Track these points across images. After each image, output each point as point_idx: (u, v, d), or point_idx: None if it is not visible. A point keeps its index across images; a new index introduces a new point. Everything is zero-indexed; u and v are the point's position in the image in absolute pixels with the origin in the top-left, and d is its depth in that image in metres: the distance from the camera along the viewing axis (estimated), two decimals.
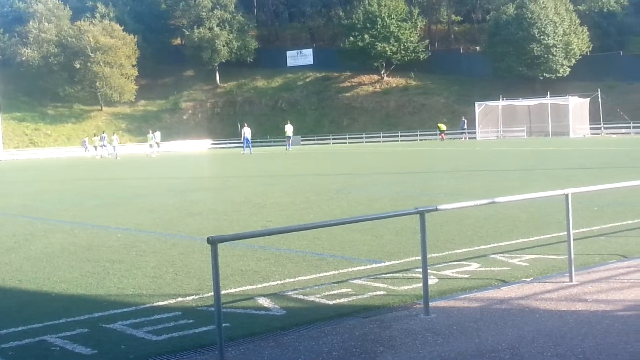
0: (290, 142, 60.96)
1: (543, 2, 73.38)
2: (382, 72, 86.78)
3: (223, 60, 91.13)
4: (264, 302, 7.33)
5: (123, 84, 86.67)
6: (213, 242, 5.45)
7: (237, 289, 7.90)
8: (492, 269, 8.57)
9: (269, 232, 6.74)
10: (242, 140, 59.33)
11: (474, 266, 8.76)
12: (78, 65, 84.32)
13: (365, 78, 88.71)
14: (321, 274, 8.59)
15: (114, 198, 20.85)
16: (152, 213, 16.09)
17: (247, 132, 57.60)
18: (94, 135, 69.06)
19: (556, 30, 72.60)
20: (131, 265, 9.61)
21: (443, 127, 67.73)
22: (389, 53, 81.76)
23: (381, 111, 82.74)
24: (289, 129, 60.34)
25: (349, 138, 76.95)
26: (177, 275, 8.81)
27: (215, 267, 5.45)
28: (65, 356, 5.80)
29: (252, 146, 59.27)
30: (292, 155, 50.61)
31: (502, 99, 67.27)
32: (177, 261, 9.80)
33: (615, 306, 6.75)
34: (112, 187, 26.31)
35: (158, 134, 66.60)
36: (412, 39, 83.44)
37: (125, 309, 7.22)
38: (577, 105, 63.22)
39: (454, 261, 9.07)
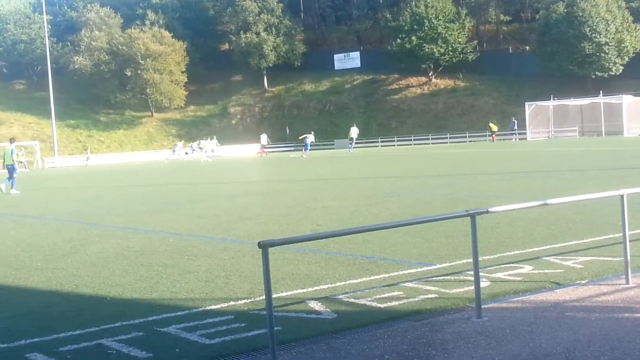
0: (353, 144, 62.47)
1: (594, 0, 72.27)
2: (430, 74, 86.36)
3: (270, 65, 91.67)
4: (315, 305, 7.34)
5: (173, 90, 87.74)
6: (264, 246, 5.48)
7: (288, 293, 7.92)
8: (546, 271, 8.46)
9: (319, 236, 6.74)
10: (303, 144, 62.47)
11: (526, 268, 8.65)
12: (129, 73, 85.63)
13: (413, 80, 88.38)
14: (372, 277, 8.57)
15: (164, 203, 21.09)
16: (202, 218, 16.23)
17: (310, 137, 61.20)
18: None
19: (608, 28, 71.44)
20: (184, 270, 9.71)
21: (494, 127, 66.97)
22: (436, 54, 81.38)
23: (429, 113, 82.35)
24: (354, 131, 61.51)
25: (397, 140, 76.72)
26: (229, 279, 8.87)
27: (266, 271, 5.48)
28: (121, 359, 5.88)
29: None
30: (341, 158, 50.61)
31: (553, 99, 66.39)
32: (228, 265, 9.87)
33: None
34: (162, 192, 26.61)
35: (214, 141, 67.38)
36: (460, 39, 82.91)
37: (178, 313, 7.30)
38: (631, 104, 62.10)
39: (505, 263, 8.98)
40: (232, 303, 7.62)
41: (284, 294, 7.88)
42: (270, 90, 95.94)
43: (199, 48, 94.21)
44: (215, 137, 70.00)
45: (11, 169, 28.53)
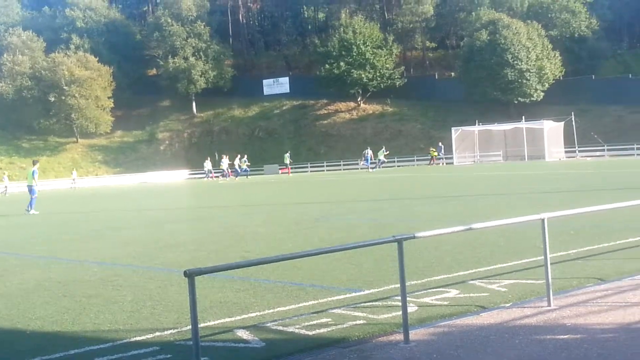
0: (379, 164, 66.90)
1: (516, 28, 74.27)
2: (359, 99, 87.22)
3: (199, 90, 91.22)
4: (243, 334, 7.27)
5: (99, 116, 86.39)
6: (190, 275, 5.41)
7: (216, 322, 7.83)
8: (471, 295, 8.57)
9: (247, 263, 6.70)
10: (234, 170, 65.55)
11: (453, 293, 8.75)
12: (53, 99, 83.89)
13: (341, 105, 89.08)
14: (301, 304, 8.55)
15: (89, 231, 20.68)
16: (128, 246, 15.96)
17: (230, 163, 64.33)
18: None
19: (529, 56, 73.43)
20: (108, 300, 9.51)
21: (435, 153, 67.75)
22: (365, 80, 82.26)
23: (358, 138, 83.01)
24: (286, 157, 67.04)
25: (326, 165, 77.07)
26: (155, 309, 8.72)
27: (192, 300, 5.41)
28: None
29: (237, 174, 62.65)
30: (270, 184, 50.56)
31: (478, 124, 67.75)
32: (154, 295, 9.71)
33: (593, 330, 6.77)
34: (87, 220, 26.09)
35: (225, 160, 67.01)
36: (387, 65, 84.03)
37: (101, 345, 7.13)
38: (551, 129, 63.79)
39: (433, 288, 9.06)
40: (158, 334, 7.48)
41: (211, 323, 7.79)
42: (198, 116, 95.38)
43: (126, 73, 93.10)
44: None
45: (30, 190, 29.56)
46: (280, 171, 72.40)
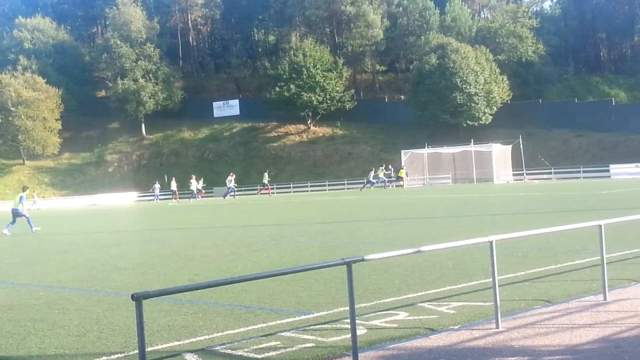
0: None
1: (464, 53, 75.33)
2: (309, 122, 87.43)
3: (149, 112, 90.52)
4: (191, 358, 7.19)
5: (46, 137, 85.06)
6: (137, 298, 5.34)
7: (164, 345, 7.73)
8: (421, 317, 8.60)
9: (195, 286, 6.62)
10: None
11: (402, 315, 8.78)
12: None
13: (292, 128, 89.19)
14: (249, 327, 8.49)
15: (35, 254, 20.29)
16: (75, 269, 15.70)
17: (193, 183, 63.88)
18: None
19: (477, 79, 74.50)
20: (54, 324, 9.33)
21: (402, 173, 66.92)
22: (315, 103, 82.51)
23: (308, 160, 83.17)
24: (231, 179, 64.19)
25: (276, 188, 76.93)
26: (102, 333, 8.58)
27: (140, 324, 5.33)
28: None
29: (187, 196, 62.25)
30: (220, 206, 50.28)
31: (428, 147, 68.38)
32: (101, 318, 9.56)
33: (541, 352, 6.84)
34: (33, 242, 25.60)
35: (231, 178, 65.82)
36: (337, 88, 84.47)
37: None
38: (499, 152, 64.67)
39: (382, 311, 9.08)
40: (104, 358, 7.36)
41: (159, 346, 7.68)
42: (148, 138, 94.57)
43: (74, 94, 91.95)
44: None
45: (14, 213, 30.68)
46: (259, 192, 71.70)
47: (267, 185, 69.61)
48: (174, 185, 68.85)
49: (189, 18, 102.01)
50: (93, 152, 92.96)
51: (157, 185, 71.61)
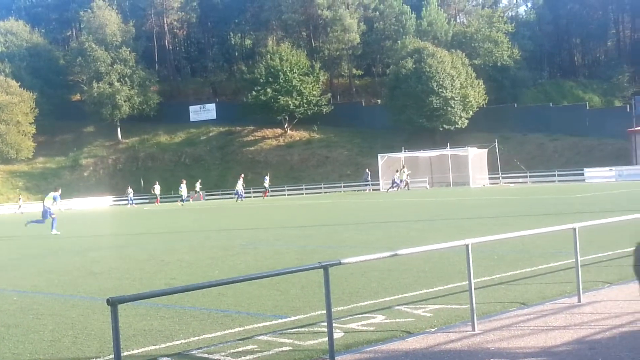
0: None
1: (440, 57, 75.66)
2: (286, 126, 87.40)
3: (124, 116, 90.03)
4: None
5: (20, 141, 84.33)
6: (113, 303, 5.31)
7: (140, 350, 7.69)
8: (397, 320, 8.62)
9: (172, 290, 6.60)
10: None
11: (379, 318, 8.80)
12: None
13: (268, 132, 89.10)
14: (226, 331, 8.47)
15: (9, 258, 20.10)
16: (51, 273, 15.58)
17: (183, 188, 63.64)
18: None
19: (454, 84, 74.85)
20: (28, 330, 9.24)
21: (404, 175, 65.89)
22: (291, 107, 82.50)
23: (285, 165, 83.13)
24: (187, 185, 64.73)
25: (253, 192, 76.76)
26: (77, 338, 8.52)
27: (115, 329, 5.30)
28: None
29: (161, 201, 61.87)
30: (198, 210, 50.12)
31: (404, 151, 68.56)
32: (76, 323, 9.49)
33: (516, 354, 6.88)
34: (7, 246, 25.36)
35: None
36: (314, 92, 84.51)
37: None
38: (476, 156, 64.98)
39: (359, 314, 9.09)
40: None
41: (135, 351, 7.64)
42: (124, 142, 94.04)
43: (49, 98, 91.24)
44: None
45: (44, 213, 30.59)
46: (264, 195, 70.89)
47: (267, 189, 69.15)
48: (157, 189, 68.60)
49: (165, 21, 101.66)
50: (68, 156, 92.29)
51: (130, 190, 71.29)
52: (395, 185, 61.70)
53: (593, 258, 12.87)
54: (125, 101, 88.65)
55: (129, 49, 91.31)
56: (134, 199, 71.02)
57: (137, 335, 8.41)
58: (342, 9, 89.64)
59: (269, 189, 69.85)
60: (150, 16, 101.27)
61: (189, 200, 65.05)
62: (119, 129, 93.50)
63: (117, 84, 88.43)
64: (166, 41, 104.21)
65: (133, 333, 8.51)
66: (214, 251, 18.53)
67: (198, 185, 69.52)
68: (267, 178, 68.97)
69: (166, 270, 15.10)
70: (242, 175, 66.38)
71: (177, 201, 64.88)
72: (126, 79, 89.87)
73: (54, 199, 30.60)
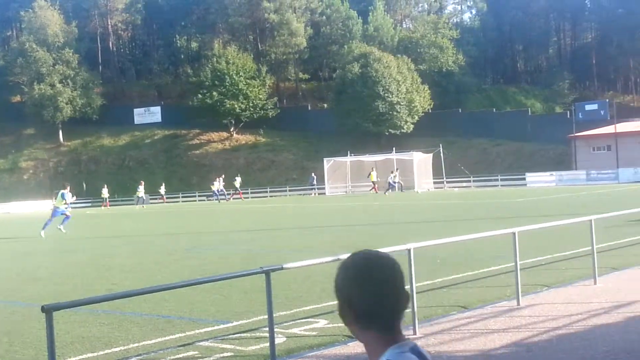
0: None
1: (386, 62, 76.22)
2: (232, 129, 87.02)
3: (66, 118, 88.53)
4: None
5: None
6: (47, 310, 5.21)
7: (77, 358, 7.56)
8: (340, 325, 8.61)
9: (111, 297, 6.51)
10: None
11: (322, 323, 8.79)
12: None
13: (214, 135, 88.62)
14: (167, 337, 8.37)
15: None
16: None
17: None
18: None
19: (399, 89, 75.46)
20: None
21: (373, 177, 64.94)
22: (237, 110, 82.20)
23: (231, 168, 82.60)
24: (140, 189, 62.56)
25: (199, 196, 76.27)
26: (12, 346, 8.33)
27: (50, 336, 5.20)
28: None
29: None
30: (141, 215, 49.56)
31: (350, 155, 68.81)
32: (12, 331, 9.28)
33: (455, 357, 6.94)
34: None
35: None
36: (260, 96, 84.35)
37: None
38: (421, 161, 65.51)
39: (302, 319, 9.08)
40: None
41: (72, 359, 7.50)
42: (66, 144, 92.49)
43: None
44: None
45: (54, 212, 30.50)
46: (232, 197, 69.80)
47: (239, 190, 67.97)
48: (104, 192, 67.65)
49: (109, 23, 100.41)
50: (7, 159, 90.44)
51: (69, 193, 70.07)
52: (391, 186, 61.33)
53: (532, 262, 13.06)
54: (67, 103, 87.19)
55: (72, 50, 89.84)
56: (72, 204, 69.77)
57: (75, 343, 8.26)
58: (289, 13, 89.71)
59: (240, 190, 68.77)
60: (94, 17, 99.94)
61: (228, 199, 64.44)
62: (60, 132, 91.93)
63: (59, 85, 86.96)
64: (110, 43, 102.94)
65: (71, 340, 8.36)
66: (158, 256, 18.34)
67: (238, 181, 67.85)
68: (239, 179, 67.37)
69: (108, 275, 14.88)
70: (222, 176, 65.82)
71: (131, 204, 63.98)
72: (68, 80, 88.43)
73: (62, 196, 30.37)
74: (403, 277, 2.26)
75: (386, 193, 60.48)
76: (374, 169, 62.42)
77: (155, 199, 71.67)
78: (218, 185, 63.86)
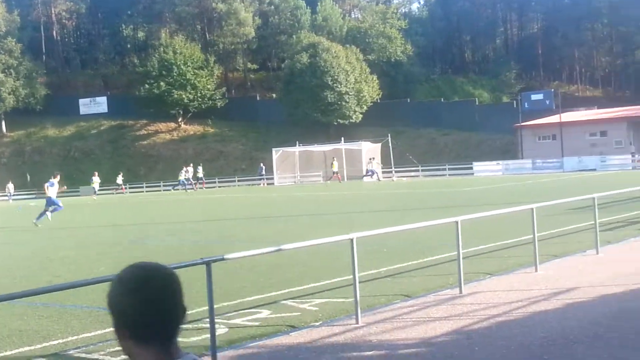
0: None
1: (335, 52, 76.28)
2: (180, 120, 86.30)
3: (9, 109, 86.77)
4: None
5: None
6: None
7: (14, 351, 7.41)
8: (283, 315, 8.61)
9: (50, 289, 6.38)
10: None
11: (264, 313, 8.76)
12: None
13: (162, 126, 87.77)
14: (107, 330, 8.23)
15: None
16: None
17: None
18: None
19: (348, 79, 75.59)
20: None
21: (335, 166, 64.57)
22: (185, 101, 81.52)
23: (179, 159, 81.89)
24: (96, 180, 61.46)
25: (146, 187, 75.49)
26: None
27: None
28: None
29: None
30: (86, 206, 48.85)
31: (299, 145, 68.78)
32: None
33: (397, 345, 6.97)
34: None
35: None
36: (209, 86, 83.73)
37: None
38: (369, 150, 65.73)
39: (245, 309, 9.03)
40: None
41: (8, 352, 7.36)
42: (8, 135, 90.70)
43: None
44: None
45: (48, 201, 29.89)
46: (197, 187, 68.77)
47: (202, 179, 67.58)
48: (119, 179, 66.80)
49: (53, 11, 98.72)
50: None
51: (10, 185, 68.90)
52: (370, 173, 61.05)
53: (476, 250, 13.20)
54: (9, 93, 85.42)
55: (14, 39, 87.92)
56: (13, 195, 68.71)
57: (12, 336, 8.10)
58: (236, 3, 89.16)
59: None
60: (37, 5, 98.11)
61: (195, 189, 63.73)
62: (3, 122, 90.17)
63: (1, 75, 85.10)
64: (54, 32, 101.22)
65: (8, 333, 8.20)
66: (101, 247, 18.11)
67: (200, 170, 67.08)
68: (200, 168, 67.24)
69: (50, 267, 14.65)
70: (191, 166, 65.17)
71: (77, 195, 62.97)
72: (11, 70, 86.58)
73: (49, 185, 29.79)
74: (181, 289, 2.13)
75: (364, 179, 60.28)
76: (335, 159, 62.69)
77: (109, 189, 70.72)
78: (185, 174, 63.27)
